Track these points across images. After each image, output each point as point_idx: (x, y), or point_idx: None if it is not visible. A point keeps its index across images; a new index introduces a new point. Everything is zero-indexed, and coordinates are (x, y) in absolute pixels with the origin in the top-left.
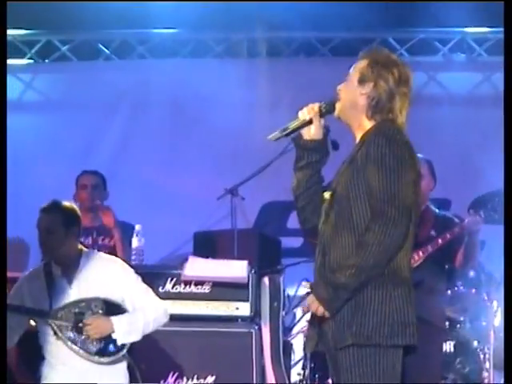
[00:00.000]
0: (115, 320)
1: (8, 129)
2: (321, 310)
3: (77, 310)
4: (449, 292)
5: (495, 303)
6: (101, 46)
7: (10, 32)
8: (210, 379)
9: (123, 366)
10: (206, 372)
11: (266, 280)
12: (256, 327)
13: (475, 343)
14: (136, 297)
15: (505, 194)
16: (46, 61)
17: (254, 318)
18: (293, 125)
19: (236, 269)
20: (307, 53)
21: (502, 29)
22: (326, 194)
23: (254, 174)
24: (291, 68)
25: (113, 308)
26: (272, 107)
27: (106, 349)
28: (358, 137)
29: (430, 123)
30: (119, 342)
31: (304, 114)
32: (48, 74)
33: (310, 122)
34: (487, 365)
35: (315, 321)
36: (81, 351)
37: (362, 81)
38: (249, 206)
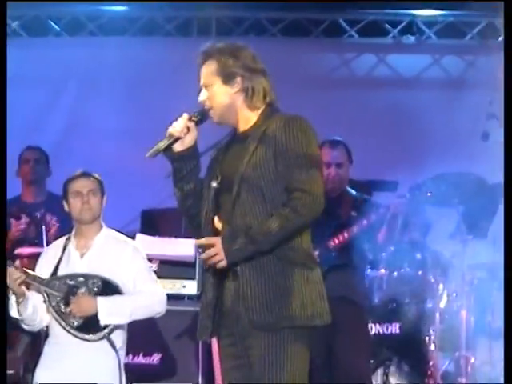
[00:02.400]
0: (100, 300)
1: None
2: (218, 258)
3: (72, 283)
4: (395, 274)
5: (441, 285)
6: (51, 23)
7: None
8: (157, 357)
9: (105, 345)
10: (153, 350)
11: None
12: None
13: (421, 325)
14: (138, 282)
15: (505, 193)
16: None
17: (201, 296)
18: (164, 143)
19: (183, 247)
20: (257, 33)
21: (451, 12)
22: (214, 183)
23: (202, 153)
24: None
25: (109, 288)
26: None
27: (86, 325)
28: (244, 127)
29: (379, 105)
30: (101, 323)
31: (176, 130)
32: None
33: (177, 138)
34: (432, 347)
35: (215, 306)
36: (62, 322)
37: (227, 81)
38: None
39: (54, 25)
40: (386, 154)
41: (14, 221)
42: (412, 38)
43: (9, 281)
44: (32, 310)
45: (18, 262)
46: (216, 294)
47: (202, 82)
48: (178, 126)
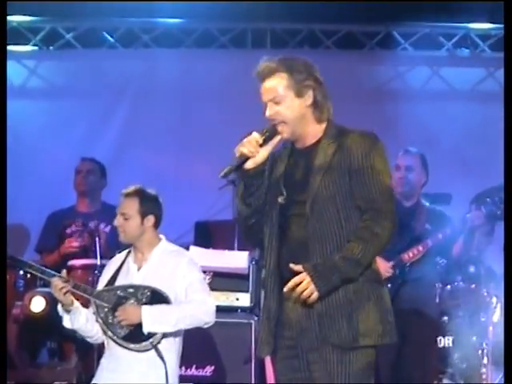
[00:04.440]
0: (145, 309)
1: (11, 115)
2: (309, 292)
3: (122, 294)
4: (448, 287)
5: (494, 299)
6: (105, 35)
7: (15, 18)
8: (209, 369)
9: (152, 355)
10: (205, 362)
11: None
12: (256, 318)
13: (474, 338)
14: (189, 292)
15: (505, 193)
16: (51, 48)
17: (254, 308)
18: (236, 163)
19: (237, 259)
20: (312, 45)
21: None
22: (280, 199)
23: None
24: None
25: (158, 298)
26: None
27: (132, 335)
28: (310, 141)
29: (433, 118)
30: (144, 331)
31: (248, 150)
32: (52, 61)
33: (248, 157)
34: (485, 360)
35: (278, 320)
36: (109, 332)
37: (300, 94)
38: None
39: (108, 37)
40: (441, 166)
41: (67, 230)
42: (466, 51)
43: (54, 290)
44: (85, 320)
45: (63, 272)
46: (278, 307)
47: (268, 97)
48: (249, 146)
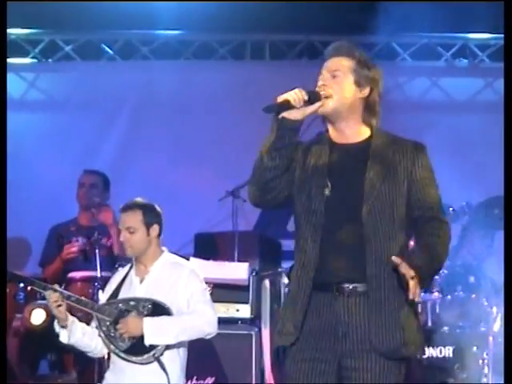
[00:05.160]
0: (146, 320)
1: (10, 128)
2: (418, 290)
3: (123, 308)
4: (449, 297)
5: (495, 309)
6: (104, 47)
7: (13, 31)
8: (210, 380)
9: (156, 367)
10: (206, 373)
11: (266, 282)
12: (256, 329)
13: (474, 348)
14: (191, 303)
15: (505, 197)
16: (50, 60)
17: (255, 320)
18: (280, 103)
19: (237, 271)
20: (310, 56)
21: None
22: (326, 191)
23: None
24: (294, 71)
25: (159, 311)
26: None
27: (134, 348)
28: (354, 139)
29: (432, 128)
30: (146, 343)
31: (292, 97)
32: (51, 73)
33: (290, 105)
34: (486, 370)
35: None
36: (111, 346)
37: (359, 83)
38: (250, 208)
39: (107, 49)
40: (439, 176)
41: (67, 243)
42: (465, 61)
43: (49, 303)
44: (81, 334)
45: (56, 286)
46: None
47: (331, 68)
48: (295, 95)
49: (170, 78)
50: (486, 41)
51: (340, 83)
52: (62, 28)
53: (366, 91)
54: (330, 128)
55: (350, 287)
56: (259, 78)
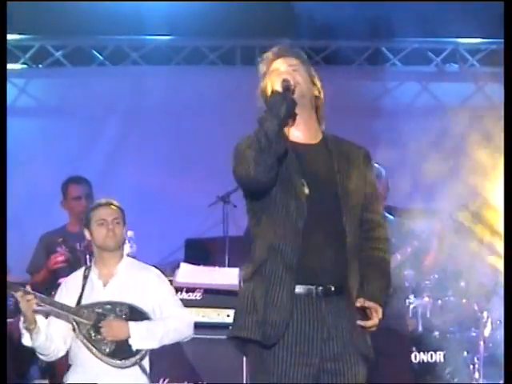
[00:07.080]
0: (132, 325)
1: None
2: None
3: (100, 311)
4: (439, 302)
5: (485, 314)
6: (94, 52)
7: None
8: None
9: (136, 371)
10: (197, 378)
11: None
12: None
13: (465, 353)
14: (165, 307)
15: (505, 197)
16: (40, 66)
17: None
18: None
19: (228, 276)
20: None
21: (494, 39)
22: (306, 190)
23: None
24: None
25: (137, 315)
26: None
27: (118, 351)
28: (315, 140)
29: (423, 133)
30: (134, 348)
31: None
32: (41, 79)
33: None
34: (476, 375)
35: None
36: (94, 349)
37: (313, 83)
38: (240, 214)
39: (97, 54)
40: (429, 179)
41: (56, 249)
42: (455, 66)
43: (22, 304)
44: (45, 337)
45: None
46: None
47: (289, 63)
48: (290, 76)
49: (160, 83)
50: (476, 45)
51: (302, 75)
52: (52, 34)
53: (316, 91)
54: (292, 130)
55: (333, 288)
56: (249, 83)
